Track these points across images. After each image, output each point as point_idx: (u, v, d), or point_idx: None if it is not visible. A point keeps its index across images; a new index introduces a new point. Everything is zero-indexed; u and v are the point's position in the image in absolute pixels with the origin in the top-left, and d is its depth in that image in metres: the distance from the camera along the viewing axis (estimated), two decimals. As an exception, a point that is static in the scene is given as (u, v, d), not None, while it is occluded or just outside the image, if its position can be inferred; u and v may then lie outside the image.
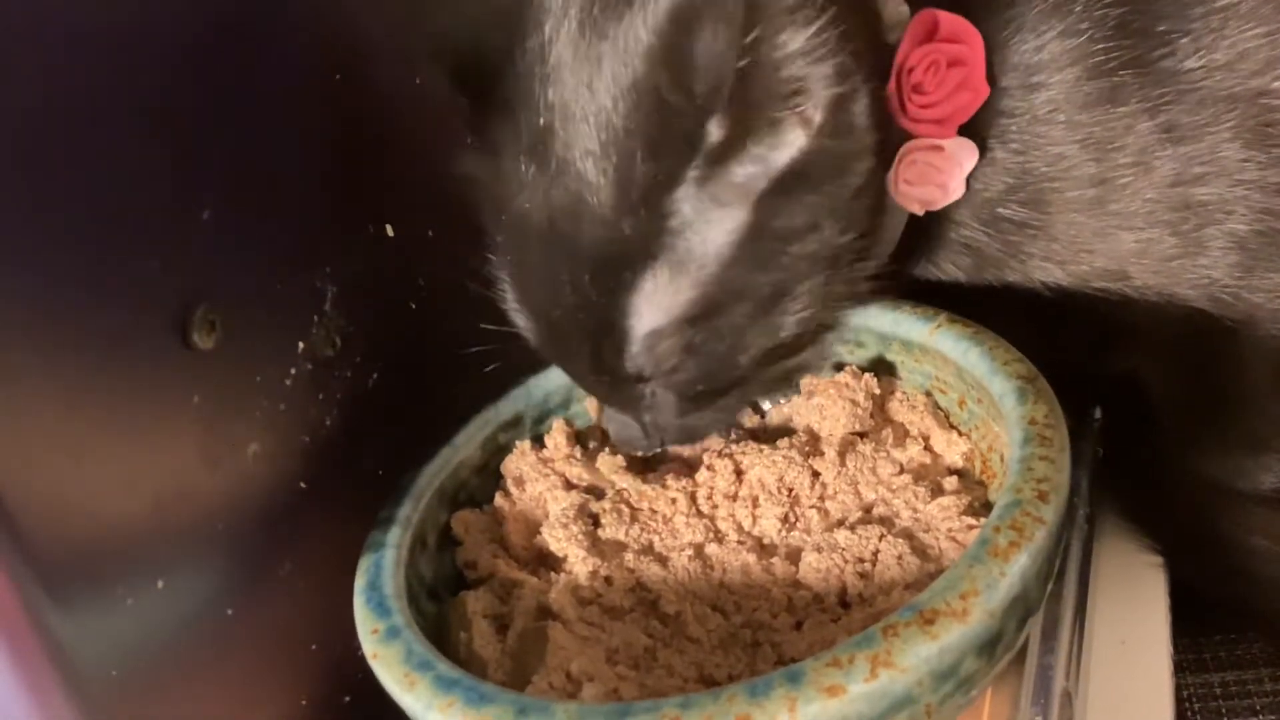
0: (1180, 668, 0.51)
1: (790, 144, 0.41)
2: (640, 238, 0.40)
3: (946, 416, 0.50)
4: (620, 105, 0.39)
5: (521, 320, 0.45)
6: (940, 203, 0.47)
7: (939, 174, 0.46)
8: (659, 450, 0.50)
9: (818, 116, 0.41)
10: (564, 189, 0.40)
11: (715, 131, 0.39)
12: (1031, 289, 0.50)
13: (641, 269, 0.41)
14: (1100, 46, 0.45)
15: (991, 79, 0.45)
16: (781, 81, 0.39)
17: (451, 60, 0.42)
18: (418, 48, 0.43)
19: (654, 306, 0.41)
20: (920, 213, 0.48)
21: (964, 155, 0.46)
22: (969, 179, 0.47)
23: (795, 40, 0.39)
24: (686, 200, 0.40)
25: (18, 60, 0.31)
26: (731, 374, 0.45)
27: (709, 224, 0.41)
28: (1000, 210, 0.48)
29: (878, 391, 0.51)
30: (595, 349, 0.43)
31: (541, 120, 0.41)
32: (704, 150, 0.39)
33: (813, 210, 0.42)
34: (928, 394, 0.51)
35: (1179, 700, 0.50)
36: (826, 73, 0.40)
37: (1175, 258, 0.47)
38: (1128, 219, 0.47)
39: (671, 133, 0.39)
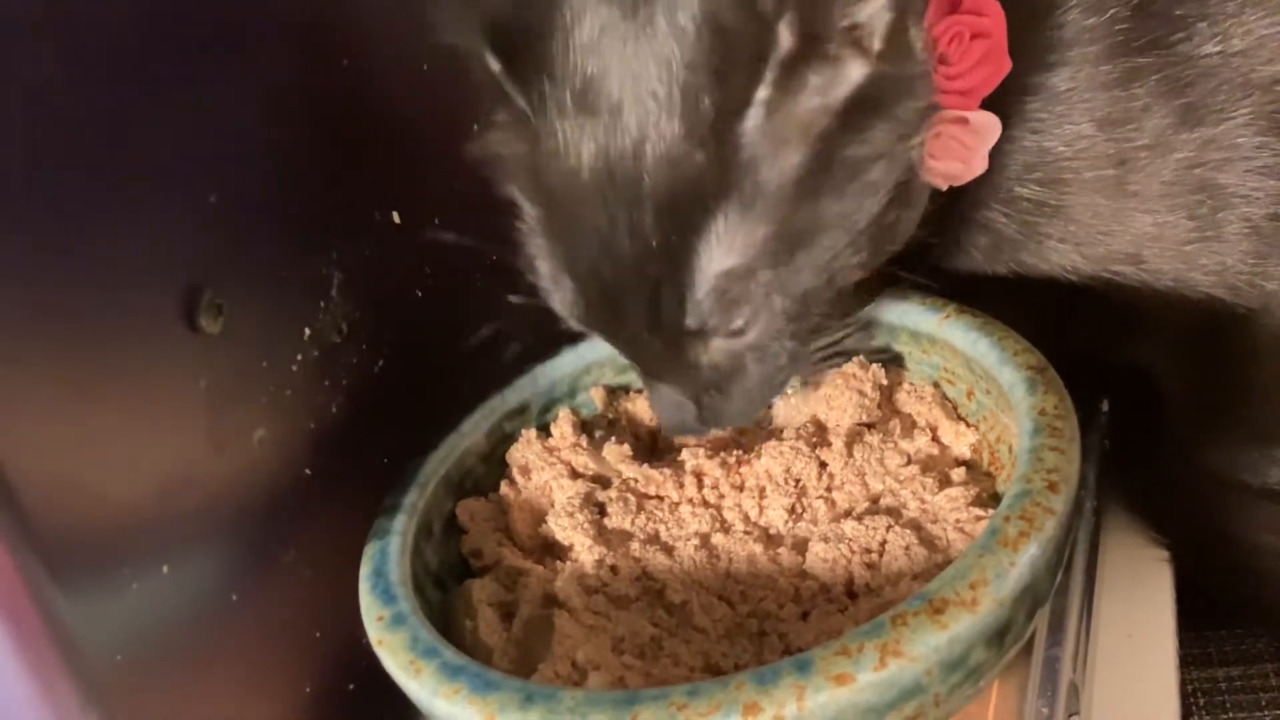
0: (1185, 662, 0.51)
1: (851, 72, 0.39)
2: (710, 172, 0.39)
3: (954, 408, 0.50)
4: (678, 36, 0.38)
5: (563, 289, 0.43)
6: (964, 177, 0.46)
7: (963, 148, 0.45)
8: (704, 434, 0.47)
9: (877, 44, 0.39)
10: (622, 133, 0.39)
11: (785, 38, 0.37)
12: (1046, 275, 0.50)
13: (712, 206, 0.39)
14: (1121, 27, 0.45)
15: (1012, 55, 0.45)
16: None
17: (487, 24, 0.41)
18: (452, 16, 0.41)
19: (724, 247, 0.39)
20: (944, 187, 0.47)
21: (988, 129, 0.45)
22: (990, 156, 0.46)
23: None
24: (756, 130, 0.38)
25: (22, 41, 0.31)
26: (799, 322, 0.43)
27: (779, 156, 0.39)
28: (1018, 189, 0.48)
29: (885, 382, 0.51)
30: (653, 302, 0.41)
31: (590, 68, 0.39)
32: (774, 62, 0.37)
33: (878, 138, 0.41)
34: (935, 385, 0.51)
35: (1184, 694, 0.50)
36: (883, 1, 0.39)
37: (1191, 242, 0.47)
38: (1145, 202, 0.46)
39: (736, 53, 0.37)
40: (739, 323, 0.41)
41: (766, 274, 0.40)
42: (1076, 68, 0.46)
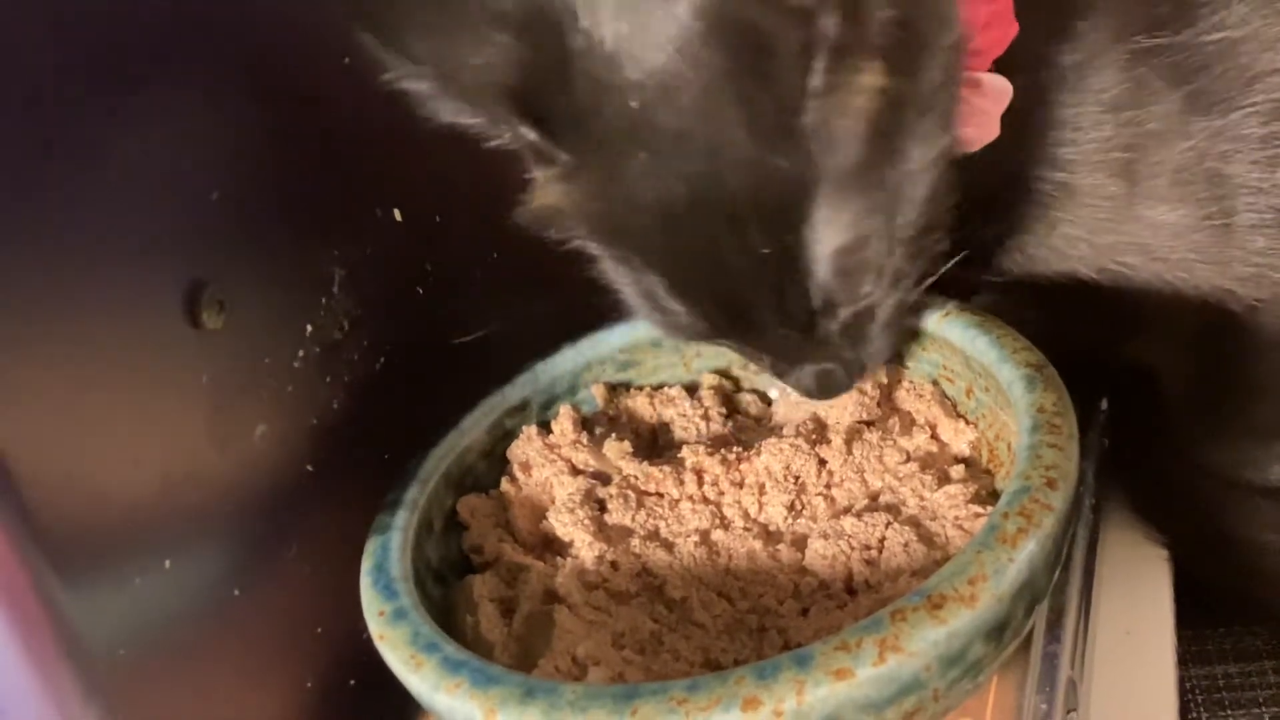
0: (1184, 660, 0.51)
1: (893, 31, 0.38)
2: (794, 171, 0.38)
3: (954, 405, 0.50)
4: (714, 50, 0.36)
5: (675, 314, 0.42)
6: (977, 143, 0.46)
7: (977, 112, 0.45)
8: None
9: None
10: (694, 158, 0.38)
11: (830, 26, 0.36)
12: (1053, 266, 0.50)
13: (808, 200, 0.38)
14: (1130, 8, 0.45)
15: (1023, 28, 0.45)
16: None
17: (509, 97, 0.39)
18: (469, 96, 0.39)
19: (833, 229, 0.39)
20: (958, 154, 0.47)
21: (1001, 92, 0.44)
22: (999, 140, 0.46)
23: None
24: (821, 117, 0.38)
25: (22, 39, 0.31)
26: (913, 261, 0.43)
27: (850, 131, 0.38)
28: (1029, 171, 0.47)
29: (885, 380, 0.51)
30: (778, 300, 0.40)
31: (634, 101, 0.38)
32: (822, 53, 0.36)
33: (926, 79, 0.40)
34: (934, 383, 0.51)
35: (1182, 692, 0.51)
36: None
37: (1199, 232, 0.47)
38: (1152, 190, 0.46)
39: (781, 53, 0.36)
40: (865, 289, 0.42)
41: (878, 236, 0.40)
42: (1087, 48, 0.45)
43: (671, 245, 0.40)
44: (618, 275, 0.44)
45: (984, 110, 0.45)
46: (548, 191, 0.42)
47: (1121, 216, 0.47)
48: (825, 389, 0.45)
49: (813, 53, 0.36)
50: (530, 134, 0.39)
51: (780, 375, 0.46)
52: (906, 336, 0.51)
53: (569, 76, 0.38)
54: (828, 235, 0.39)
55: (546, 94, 0.39)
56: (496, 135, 0.40)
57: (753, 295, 0.40)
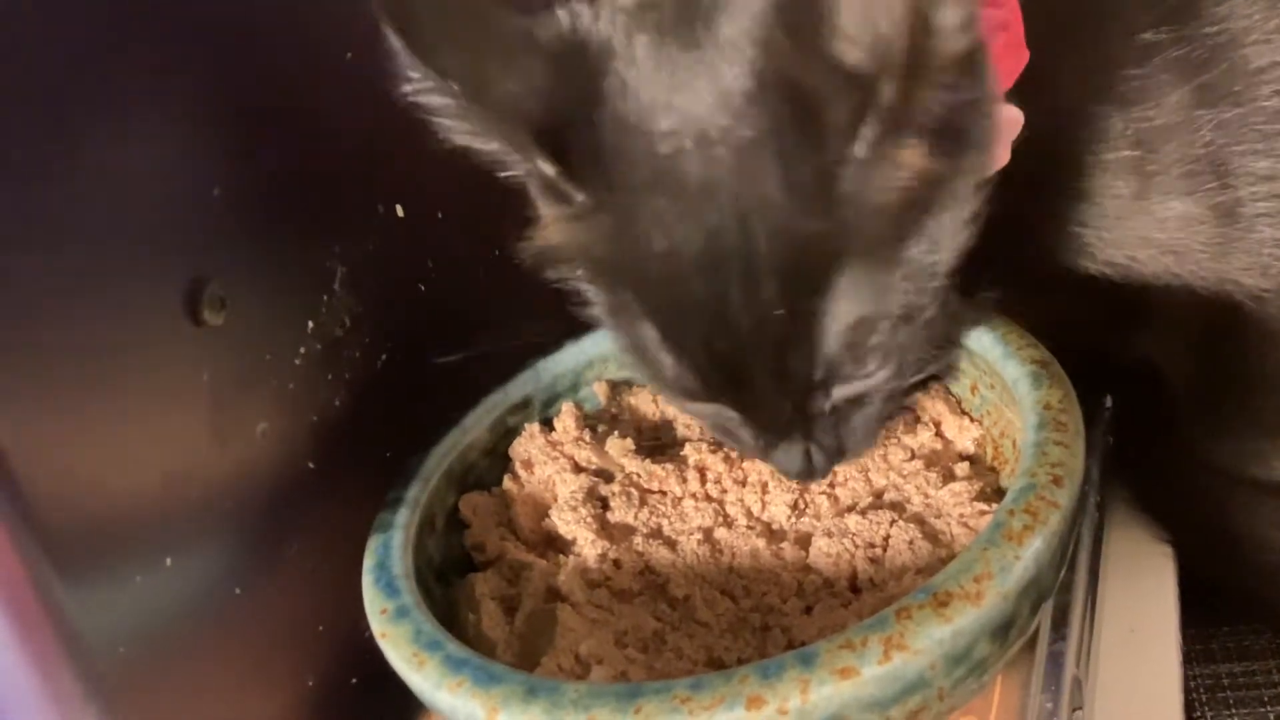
0: (1188, 658, 0.51)
1: (941, 107, 0.37)
2: (825, 235, 0.37)
3: (958, 402, 0.50)
4: (758, 106, 0.36)
5: (665, 367, 0.41)
6: (988, 170, 0.46)
7: None
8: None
9: (958, 71, 0.37)
10: (720, 211, 0.37)
11: (887, 94, 0.35)
12: (1061, 262, 0.49)
13: (833, 266, 0.37)
14: (1136, 2, 0.44)
15: (1030, 36, 0.44)
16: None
17: (530, 127, 0.38)
18: (491, 120, 0.38)
19: (852, 300, 0.38)
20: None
21: (1011, 122, 0.44)
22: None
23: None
24: (862, 183, 0.37)
25: (20, 37, 0.31)
26: (921, 348, 0.42)
27: (886, 201, 0.37)
28: (1039, 173, 0.47)
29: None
30: (779, 365, 0.39)
31: (663, 148, 0.37)
32: (874, 118, 0.35)
33: (967, 156, 0.40)
34: (939, 380, 0.51)
35: (1187, 690, 0.50)
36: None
37: (1205, 224, 0.47)
38: (1161, 183, 0.46)
39: (829, 115, 0.35)
40: (871, 367, 0.41)
41: (892, 317, 0.39)
42: (1096, 46, 0.45)
43: (675, 296, 0.39)
44: (611, 322, 0.43)
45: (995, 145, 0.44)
46: (554, 230, 0.41)
47: (1130, 210, 0.47)
48: (804, 472, 0.44)
49: (862, 120, 0.35)
50: (548, 169, 0.38)
51: (764, 450, 0.44)
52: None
53: (597, 116, 0.38)
54: (845, 307, 0.38)
55: (571, 130, 0.38)
56: (507, 166, 0.40)
57: (753, 356, 0.39)
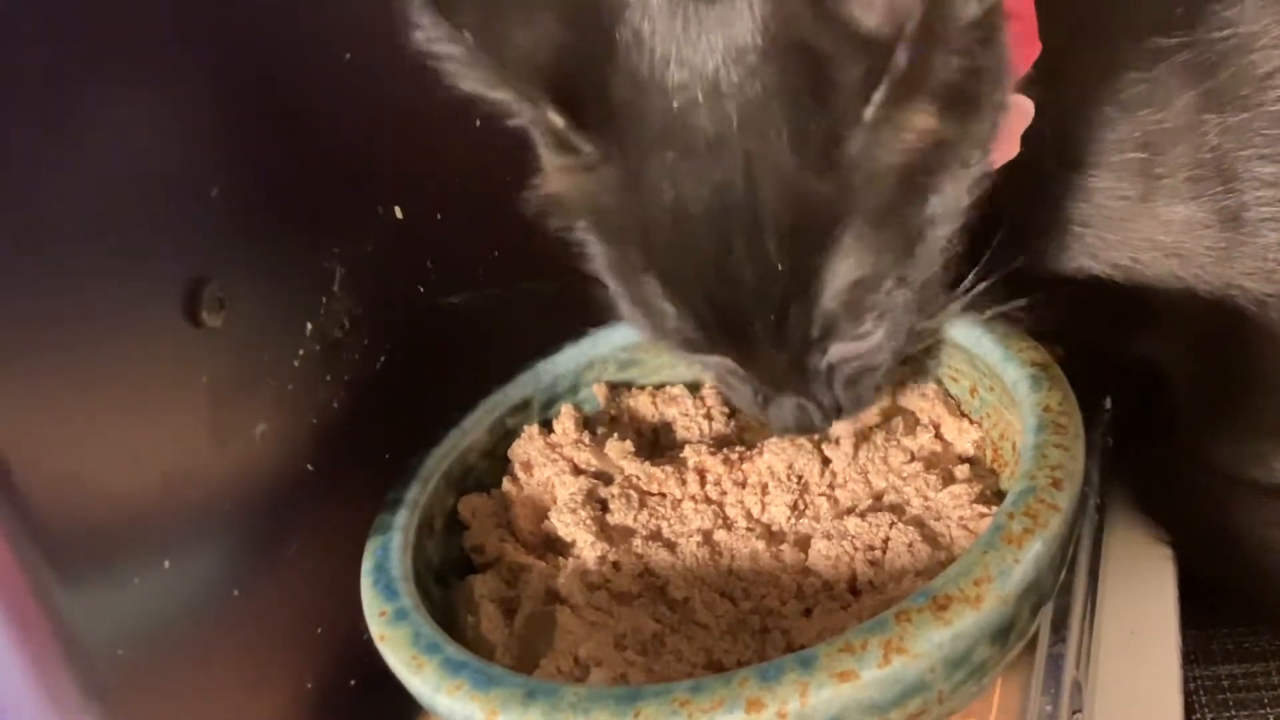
0: (1188, 660, 0.51)
1: (951, 73, 0.38)
2: (830, 195, 0.37)
3: (958, 405, 0.50)
4: (771, 64, 0.36)
5: (667, 319, 0.42)
6: (997, 161, 0.45)
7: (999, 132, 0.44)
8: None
9: (973, 37, 0.38)
10: (728, 167, 0.37)
11: (901, 59, 0.35)
12: (1064, 262, 0.49)
13: (837, 226, 0.38)
14: (1145, 6, 0.44)
15: (1041, 33, 0.44)
16: None
17: (541, 79, 0.38)
18: (502, 70, 0.38)
19: (853, 260, 0.39)
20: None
21: (1021, 113, 0.45)
22: (1021, 140, 0.46)
23: None
24: (870, 146, 0.37)
25: (20, 36, 0.31)
26: (919, 310, 0.43)
27: (893, 164, 0.38)
28: (1045, 172, 0.47)
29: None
30: (779, 319, 0.40)
31: (674, 103, 0.38)
32: (888, 83, 0.35)
33: (975, 126, 0.40)
34: (939, 382, 0.51)
35: (1187, 692, 0.50)
36: None
37: (1210, 227, 0.46)
38: (1167, 187, 0.46)
39: (841, 77, 0.36)
40: (867, 326, 0.41)
41: (891, 278, 0.40)
42: (1100, 50, 0.45)
43: (679, 247, 0.39)
44: (611, 274, 0.43)
45: (1005, 130, 0.44)
46: (559, 180, 0.41)
47: (1136, 213, 0.47)
48: (801, 425, 0.44)
49: (875, 84, 0.36)
50: (557, 120, 0.39)
51: (762, 404, 0.45)
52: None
53: (608, 69, 0.38)
54: (846, 266, 0.39)
55: (582, 82, 0.38)
56: (514, 114, 0.40)
57: (754, 309, 0.40)
